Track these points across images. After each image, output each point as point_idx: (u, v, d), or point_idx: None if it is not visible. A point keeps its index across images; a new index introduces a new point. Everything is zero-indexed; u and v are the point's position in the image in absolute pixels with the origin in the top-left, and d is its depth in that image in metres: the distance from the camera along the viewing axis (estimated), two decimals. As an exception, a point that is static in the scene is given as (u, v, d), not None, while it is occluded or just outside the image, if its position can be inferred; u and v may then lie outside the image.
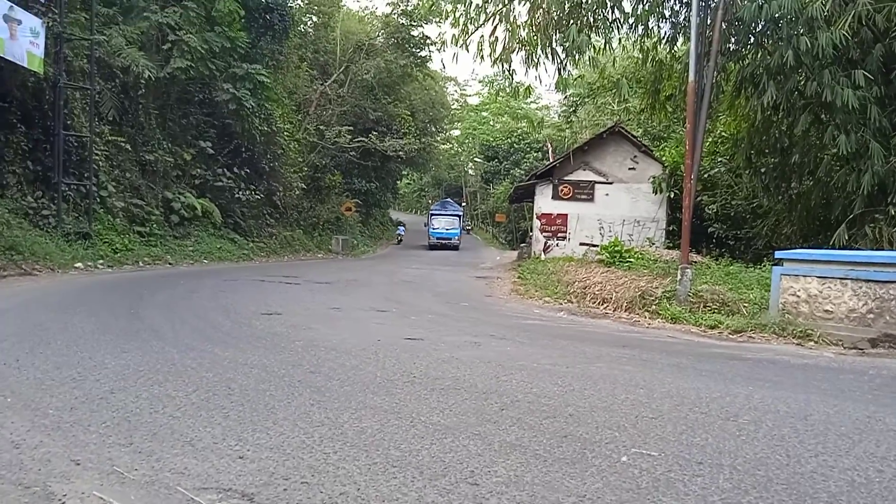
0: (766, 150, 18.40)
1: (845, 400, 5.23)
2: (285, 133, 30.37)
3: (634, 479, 3.36)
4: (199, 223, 23.36)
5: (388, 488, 3.13)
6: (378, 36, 41.09)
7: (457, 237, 46.97)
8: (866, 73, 13.74)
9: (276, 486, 3.13)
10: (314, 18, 39.67)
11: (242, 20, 23.61)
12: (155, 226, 20.84)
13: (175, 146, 23.05)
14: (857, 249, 12.56)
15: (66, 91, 17.84)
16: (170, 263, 19.43)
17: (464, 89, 73.16)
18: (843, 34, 13.40)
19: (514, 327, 9.68)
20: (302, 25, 36.93)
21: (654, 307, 11.34)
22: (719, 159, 23.44)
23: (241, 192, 25.95)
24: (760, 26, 15.76)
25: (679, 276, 11.51)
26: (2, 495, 2.95)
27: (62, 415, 4.13)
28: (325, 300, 11.99)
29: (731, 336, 9.23)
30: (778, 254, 10.04)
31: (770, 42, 15.77)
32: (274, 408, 4.47)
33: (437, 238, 46.47)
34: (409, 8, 39.20)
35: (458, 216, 48.87)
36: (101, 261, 17.04)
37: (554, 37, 15.25)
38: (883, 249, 12.33)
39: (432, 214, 49.19)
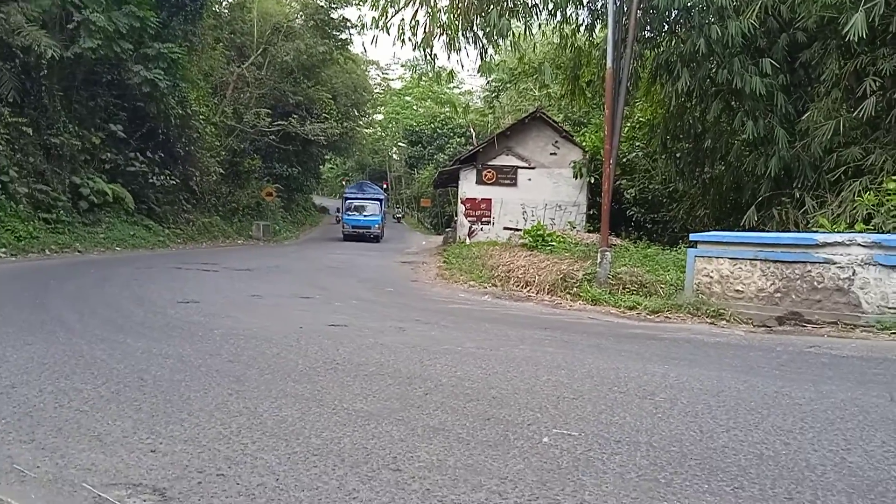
0: (681, 136, 19.02)
1: (755, 376, 5.46)
2: (201, 116, 29.36)
3: (555, 459, 3.39)
4: (110, 209, 22.36)
5: (308, 477, 3.05)
6: (297, 17, 40.17)
7: (377, 225, 38.69)
8: (773, 62, 14.36)
9: (190, 479, 3.00)
10: (230, -2, 38.41)
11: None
12: (62, 212, 19.83)
13: (83, 129, 21.91)
14: (766, 231, 13.13)
15: (-41, 69, 16.69)
16: (79, 251, 18.55)
17: (386, 73, 72.47)
18: (751, 23, 13.93)
19: (439, 312, 9.68)
20: (216, 6, 35.68)
21: (575, 290, 11.56)
22: (637, 144, 24.09)
23: (155, 177, 24.96)
24: (674, 14, 16.23)
25: (599, 259, 11.77)
26: None
27: (-44, 413, 3.86)
28: (246, 287, 11.69)
29: (648, 317, 9.51)
30: (692, 236, 10.39)
31: (683, 30, 16.27)
32: (189, 399, 4.31)
33: (354, 227, 38.21)
34: (328, -11, 38.50)
35: (379, 200, 40.55)
36: (3, 249, 16.11)
37: (475, 21, 15.26)
38: (789, 231, 12.94)
39: (346, 198, 40.48)
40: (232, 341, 6.35)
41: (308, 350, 6.05)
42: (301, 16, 40.14)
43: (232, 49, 37.32)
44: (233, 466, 3.16)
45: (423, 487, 2.98)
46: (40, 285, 10.57)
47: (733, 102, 15.98)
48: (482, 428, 3.86)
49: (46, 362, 5.17)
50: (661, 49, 16.90)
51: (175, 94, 24.55)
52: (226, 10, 38.03)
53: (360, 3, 17.91)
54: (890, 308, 7.91)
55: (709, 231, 12.91)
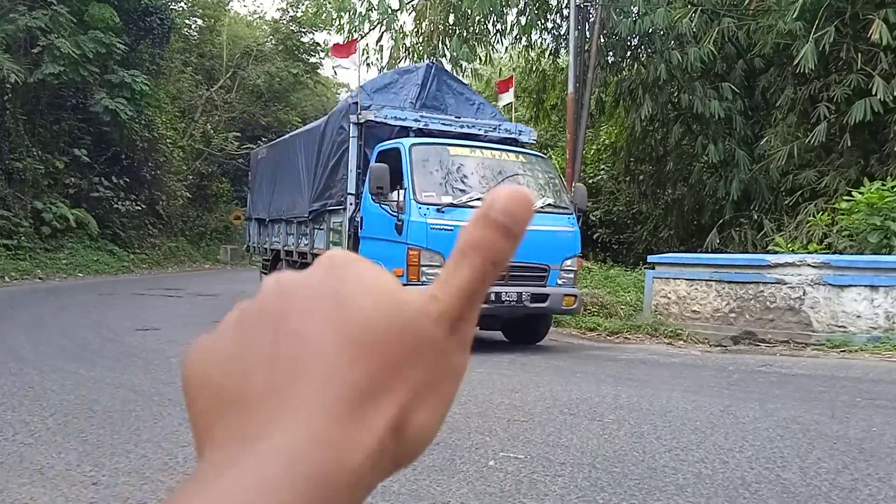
0: (644, 159, 19.38)
1: (704, 395, 5.57)
2: (168, 140, 29.18)
3: (499, 482, 3.44)
4: (73, 235, 22.05)
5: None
6: (267, 41, 40.27)
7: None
8: (732, 87, 14.73)
9: (130, 512, 3.00)
10: (199, 22, 38.38)
11: (118, 24, 22.53)
12: (23, 238, 19.51)
13: (46, 154, 21.65)
14: (728, 252, 13.39)
15: (-82, 94, 16.47)
16: (40, 278, 18.25)
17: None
18: (710, 50, 14.29)
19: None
20: (185, 29, 35.65)
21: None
22: (602, 167, 24.42)
23: (120, 203, 24.69)
24: (636, 41, 16.60)
25: (562, 281, 11.87)
26: None
27: None
28: (209, 313, 11.57)
29: (608, 338, 9.62)
30: (650, 258, 10.59)
31: (645, 56, 16.66)
32: (138, 429, 4.28)
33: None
34: (298, 14, 38.68)
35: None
36: (-39, 277, 15.82)
37: (439, 46, 15.45)
38: (748, 252, 13.20)
39: (382, 151, 8.38)
40: (188, 369, 6.31)
41: (264, 377, 6.03)
42: (272, 39, 40.23)
43: (201, 72, 37.23)
44: (174, 497, 3.16)
45: (363, 514, 3.00)
46: (-3, 313, 10.40)
47: (694, 126, 16.35)
48: (430, 453, 3.89)
49: (-5, 393, 5.11)
50: (624, 74, 17.26)
51: (140, 121, 24.41)
52: (195, 34, 37.98)
53: (328, 28, 18.09)
54: (839, 327, 8.12)
55: (672, 252, 13.14)
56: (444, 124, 8.96)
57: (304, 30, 39.44)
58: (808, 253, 9.28)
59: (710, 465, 3.71)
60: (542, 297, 7.71)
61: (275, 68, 37.49)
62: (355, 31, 15.09)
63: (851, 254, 9.38)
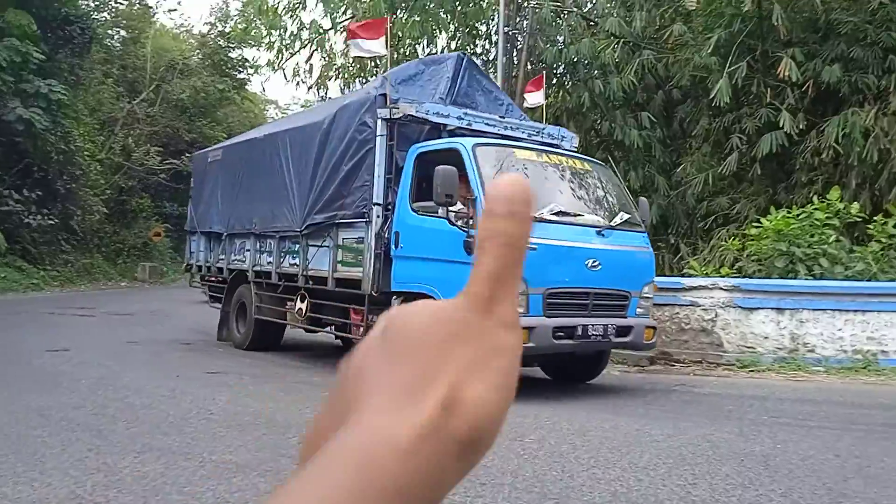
0: (568, 183, 19.86)
1: (621, 415, 5.73)
2: (86, 153, 28.12)
3: (420, 504, 3.44)
4: (-22, 250, 20.94)
5: (162, 535, 2.98)
6: (194, 55, 39.46)
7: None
8: (651, 116, 15.32)
9: (32, 543, 2.87)
10: (122, 33, 37.30)
11: (36, 32, 21.67)
12: (-77, 253, 18.42)
13: (-49, 164, 20.57)
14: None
15: None
16: (-59, 296, 17.28)
17: (285, 112, 71.80)
18: (631, 80, 14.85)
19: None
20: (108, 39, 34.58)
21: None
22: (528, 190, 24.89)
23: (31, 217, 23.54)
24: (561, 69, 17.09)
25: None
26: None
27: None
28: (123, 334, 11.17)
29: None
30: (573, 280, 10.79)
31: (570, 84, 17.15)
32: (44, 456, 4.09)
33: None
34: (226, 30, 38.12)
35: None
36: None
37: (370, 66, 15.54)
38: (664, 275, 13.66)
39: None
40: (100, 392, 6.08)
41: (182, 400, 5.87)
42: (198, 54, 39.44)
43: (123, 84, 36.11)
44: (81, 527, 3.04)
45: (281, 540, 2.95)
46: None
47: (616, 153, 16.86)
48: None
49: None
50: (550, 101, 17.69)
51: (55, 132, 23.43)
52: (118, 45, 36.89)
53: (258, 45, 17.96)
54: (748, 347, 8.51)
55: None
56: (487, 124, 7.69)
57: (231, 45, 38.88)
58: (720, 276, 9.69)
59: (625, 483, 3.82)
60: (625, 330, 6.63)
61: (201, 83, 36.79)
62: (286, 48, 15.02)
63: (760, 278, 9.82)
